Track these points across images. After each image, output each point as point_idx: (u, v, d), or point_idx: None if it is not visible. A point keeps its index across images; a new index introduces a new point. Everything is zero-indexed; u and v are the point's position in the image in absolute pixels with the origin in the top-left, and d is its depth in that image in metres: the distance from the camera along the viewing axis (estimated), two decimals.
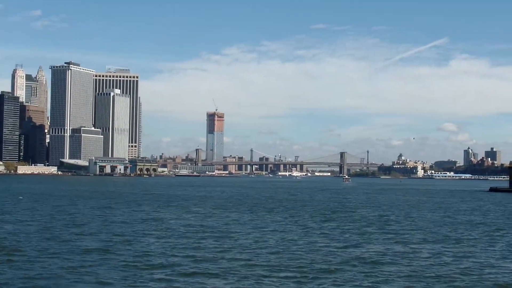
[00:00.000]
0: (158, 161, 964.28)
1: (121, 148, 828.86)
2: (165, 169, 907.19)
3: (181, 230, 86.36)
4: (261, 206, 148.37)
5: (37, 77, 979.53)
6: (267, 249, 67.06)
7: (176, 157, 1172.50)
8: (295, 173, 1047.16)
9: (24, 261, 57.04)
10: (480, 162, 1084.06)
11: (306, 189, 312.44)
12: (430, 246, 72.23)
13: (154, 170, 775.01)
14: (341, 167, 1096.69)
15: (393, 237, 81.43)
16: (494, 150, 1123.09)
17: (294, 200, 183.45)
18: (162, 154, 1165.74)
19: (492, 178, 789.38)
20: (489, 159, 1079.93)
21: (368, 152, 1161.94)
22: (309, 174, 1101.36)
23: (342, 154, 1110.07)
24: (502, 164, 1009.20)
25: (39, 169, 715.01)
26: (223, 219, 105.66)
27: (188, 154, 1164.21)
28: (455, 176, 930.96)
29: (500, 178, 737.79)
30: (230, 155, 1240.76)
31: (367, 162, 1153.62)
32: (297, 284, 48.18)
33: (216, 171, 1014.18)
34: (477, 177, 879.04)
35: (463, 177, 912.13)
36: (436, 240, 78.18)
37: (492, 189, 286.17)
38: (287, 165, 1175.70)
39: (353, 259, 60.64)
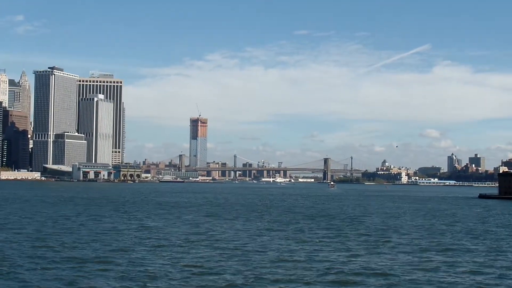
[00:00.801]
0: (142, 167, 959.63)
1: (105, 154, 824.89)
2: (149, 175, 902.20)
3: (177, 239, 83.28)
4: (255, 213, 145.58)
5: (20, 82, 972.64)
6: (269, 258, 64.27)
7: (160, 163, 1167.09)
8: (278, 179, 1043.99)
9: (19, 272, 53.97)
10: (464, 168, 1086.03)
11: (294, 195, 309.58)
12: (438, 256, 69.55)
13: (138, 176, 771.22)
14: (325, 173, 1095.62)
15: (398, 246, 78.70)
16: (478, 156, 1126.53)
17: (285, 207, 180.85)
18: (145, 159, 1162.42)
19: (477, 185, 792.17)
20: (473, 165, 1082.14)
21: (352, 158, 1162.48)
22: (292, 181, 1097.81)
23: (326, 160, 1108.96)
24: (486, 171, 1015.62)
25: (22, 174, 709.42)
26: (218, 227, 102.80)
27: (171, 160, 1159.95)
28: (440, 183, 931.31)
29: (485, 185, 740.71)
30: (214, 161, 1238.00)
31: (351, 168, 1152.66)
32: None
33: (200, 177, 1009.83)
34: (462, 184, 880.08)
35: (448, 183, 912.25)
36: (442, 250, 75.57)
37: (482, 196, 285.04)
38: (271, 171, 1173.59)
39: (363, 270, 57.92)
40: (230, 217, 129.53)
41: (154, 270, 55.74)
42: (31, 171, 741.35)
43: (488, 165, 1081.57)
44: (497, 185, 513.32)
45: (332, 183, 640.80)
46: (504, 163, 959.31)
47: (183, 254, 67.22)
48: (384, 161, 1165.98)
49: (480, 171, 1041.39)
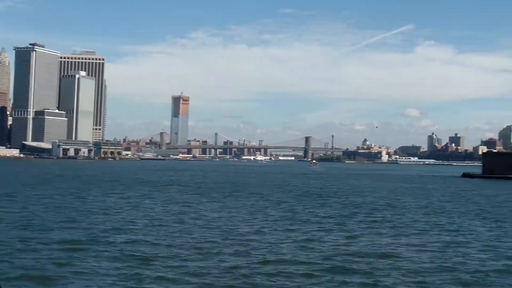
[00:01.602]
0: (122, 144, 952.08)
1: (85, 131, 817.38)
2: (129, 152, 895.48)
3: (170, 218, 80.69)
4: (243, 192, 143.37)
5: (0, 59, 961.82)
6: (268, 239, 61.81)
7: (140, 140, 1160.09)
8: (259, 157, 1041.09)
9: (7, 253, 51.12)
10: (444, 147, 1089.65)
11: (277, 173, 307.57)
12: (441, 236, 67.48)
13: (119, 153, 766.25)
14: (305, 151, 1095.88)
15: (397, 226, 76.62)
16: (458, 135, 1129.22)
17: (272, 185, 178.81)
18: (126, 137, 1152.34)
19: (456, 163, 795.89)
20: (453, 144, 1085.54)
21: (333, 137, 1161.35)
22: (273, 159, 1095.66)
23: (307, 139, 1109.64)
24: (466, 150, 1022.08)
25: (1, 151, 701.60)
26: (209, 206, 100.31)
27: (152, 138, 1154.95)
28: (420, 161, 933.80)
29: (465, 164, 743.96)
30: (195, 139, 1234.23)
31: (332, 146, 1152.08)
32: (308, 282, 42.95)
33: (181, 155, 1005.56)
34: (442, 162, 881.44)
35: (428, 162, 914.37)
36: (443, 230, 73.47)
37: (465, 175, 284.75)
38: (251, 149, 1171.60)
39: (369, 251, 55.50)
40: (219, 196, 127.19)
41: (150, 251, 53.07)
42: (10, 148, 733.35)
43: (467, 145, 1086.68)
44: (477, 164, 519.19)
45: (314, 161, 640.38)
46: (484, 143, 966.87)
47: (179, 233, 64.66)
48: (365, 140, 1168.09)
49: (459, 150, 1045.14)
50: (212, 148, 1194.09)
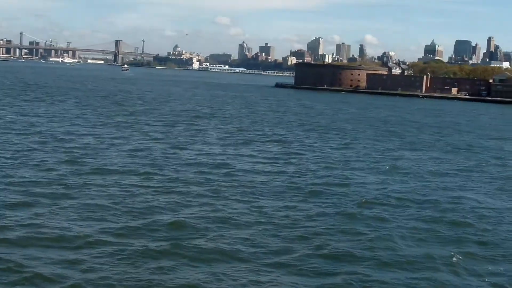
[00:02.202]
0: None
1: None
2: None
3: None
4: (58, 96, 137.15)
5: None
6: (83, 142, 58.38)
7: None
8: (67, 60, 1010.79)
9: None
10: (254, 56, 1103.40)
11: (90, 78, 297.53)
12: (269, 146, 67.21)
13: None
14: (115, 55, 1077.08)
15: (226, 138, 75.23)
16: (268, 45, 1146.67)
17: (87, 90, 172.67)
18: None
19: (266, 73, 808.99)
20: (264, 54, 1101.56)
21: (143, 41, 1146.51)
22: (81, 62, 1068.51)
23: (117, 42, 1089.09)
24: (275, 60, 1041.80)
25: None
26: (26, 110, 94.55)
27: None
28: (230, 70, 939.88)
29: (274, 73, 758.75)
30: None
31: (142, 51, 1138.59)
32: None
33: None
34: (252, 72, 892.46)
35: (238, 70, 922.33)
36: (271, 141, 72.93)
37: (278, 85, 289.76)
38: (59, 51, 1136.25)
39: (194, 160, 53.69)
40: (30, 99, 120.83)
41: None
42: None
43: (277, 55, 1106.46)
44: (286, 74, 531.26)
45: (125, 66, 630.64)
46: (293, 54, 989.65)
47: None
48: (176, 46, 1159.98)
49: (269, 60, 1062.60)
50: (17, 48, 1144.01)
